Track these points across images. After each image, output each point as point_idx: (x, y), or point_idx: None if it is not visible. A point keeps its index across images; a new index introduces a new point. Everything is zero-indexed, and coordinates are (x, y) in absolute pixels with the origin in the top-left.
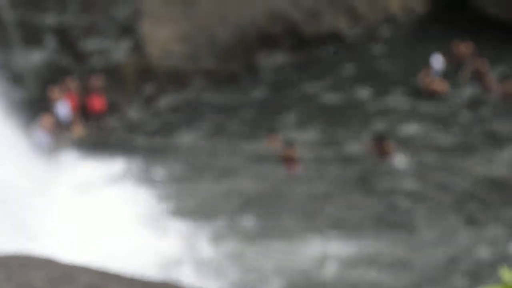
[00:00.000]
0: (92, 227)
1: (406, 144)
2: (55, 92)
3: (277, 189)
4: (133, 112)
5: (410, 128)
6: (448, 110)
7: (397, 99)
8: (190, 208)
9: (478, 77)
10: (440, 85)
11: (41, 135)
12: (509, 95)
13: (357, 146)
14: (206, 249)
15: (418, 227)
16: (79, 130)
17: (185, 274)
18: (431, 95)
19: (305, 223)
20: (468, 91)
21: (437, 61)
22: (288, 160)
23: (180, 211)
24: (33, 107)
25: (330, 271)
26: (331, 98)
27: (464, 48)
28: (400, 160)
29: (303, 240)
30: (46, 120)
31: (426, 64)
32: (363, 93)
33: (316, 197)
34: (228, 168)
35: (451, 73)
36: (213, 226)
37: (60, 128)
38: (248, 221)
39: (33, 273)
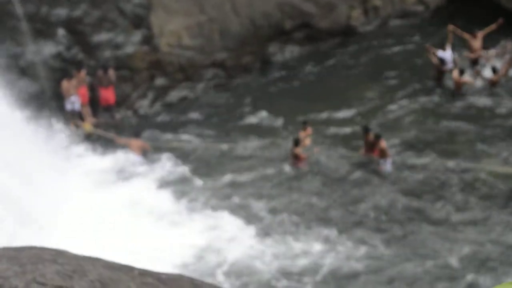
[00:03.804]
0: (107, 220)
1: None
2: (66, 84)
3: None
4: (145, 105)
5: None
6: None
7: (409, 94)
8: (205, 201)
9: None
10: (461, 79)
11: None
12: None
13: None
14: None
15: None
16: (90, 123)
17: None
18: (456, 90)
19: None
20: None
21: (448, 54)
22: (295, 157)
23: (195, 204)
24: (44, 99)
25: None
26: (340, 91)
27: (479, 42)
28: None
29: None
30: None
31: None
32: (375, 89)
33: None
34: (238, 163)
35: (465, 66)
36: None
37: (72, 121)
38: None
39: (45, 266)
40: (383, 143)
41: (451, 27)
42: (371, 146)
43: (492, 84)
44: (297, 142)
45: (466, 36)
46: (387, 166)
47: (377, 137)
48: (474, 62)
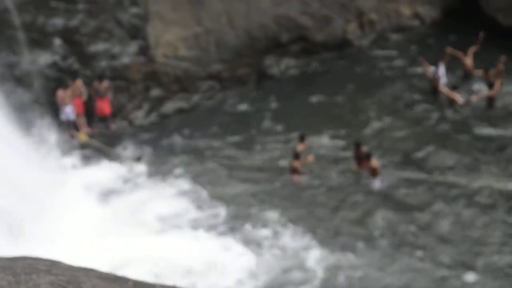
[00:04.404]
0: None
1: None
2: (61, 94)
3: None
4: (140, 116)
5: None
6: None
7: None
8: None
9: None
10: (456, 96)
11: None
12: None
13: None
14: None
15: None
16: (85, 133)
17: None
18: (450, 104)
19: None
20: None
21: (441, 71)
22: (293, 171)
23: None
24: (39, 109)
25: None
26: (337, 105)
27: (469, 60)
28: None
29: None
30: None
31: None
32: (368, 101)
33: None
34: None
35: (459, 81)
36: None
37: (67, 131)
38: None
39: (40, 277)
40: (374, 162)
41: (449, 49)
42: (362, 160)
43: (489, 102)
44: (297, 156)
45: (460, 55)
46: (376, 184)
47: (368, 156)
48: (467, 77)
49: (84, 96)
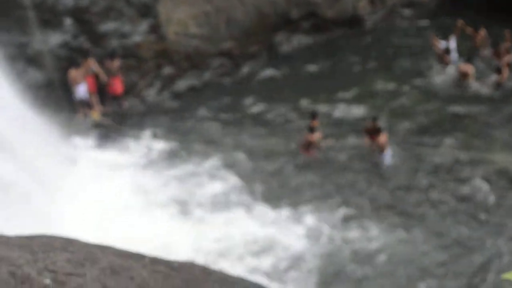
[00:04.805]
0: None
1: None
2: (73, 73)
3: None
4: (152, 94)
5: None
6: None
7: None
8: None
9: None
10: (468, 68)
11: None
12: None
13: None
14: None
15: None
16: (98, 113)
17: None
18: (462, 79)
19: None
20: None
21: (452, 45)
22: (307, 145)
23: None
24: (52, 88)
25: None
26: (348, 82)
27: (482, 33)
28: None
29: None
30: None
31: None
32: (382, 77)
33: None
34: (241, 148)
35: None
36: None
37: (80, 110)
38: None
39: (57, 254)
40: (383, 138)
41: (460, 22)
42: (373, 134)
43: (497, 85)
44: (312, 129)
45: (470, 31)
46: (386, 158)
47: (378, 131)
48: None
49: (102, 76)
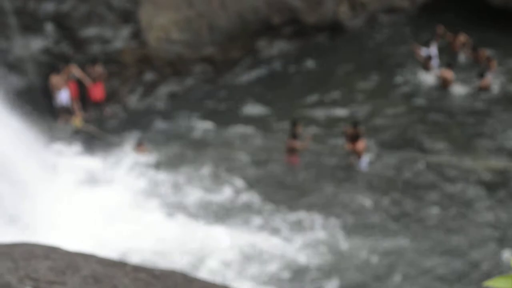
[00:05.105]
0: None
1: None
2: (55, 79)
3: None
4: (134, 100)
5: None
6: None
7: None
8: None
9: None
10: (448, 74)
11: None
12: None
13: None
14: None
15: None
16: (79, 119)
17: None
18: (444, 85)
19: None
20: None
21: (433, 51)
22: (290, 152)
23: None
24: (33, 95)
25: None
26: (328, 85)
27: (462, 38)
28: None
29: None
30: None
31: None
32: (361, 82)
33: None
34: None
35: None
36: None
37: (61, 116)
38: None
39: (38, 262)
40: (360, 144)
41: (440, 29)
42: (353, 140)
43: (479, 90)
44: (294, 135)
45: (449, 37)
46: (362, 164)
47: (357, 137)
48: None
49: (86, 80)
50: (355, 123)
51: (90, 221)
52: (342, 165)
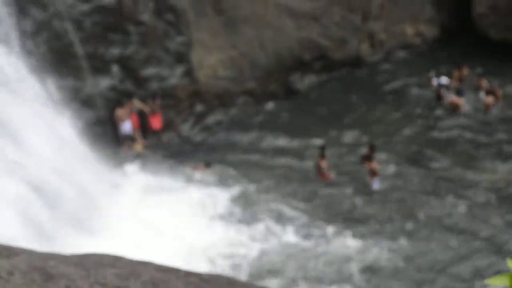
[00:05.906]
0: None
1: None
2: (119, 112)
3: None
4: (186, 128)
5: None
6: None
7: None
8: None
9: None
10: (459, 101)
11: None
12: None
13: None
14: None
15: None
16: (140, 146)
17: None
18: (453, 110)
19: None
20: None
21: (444, 80)
22: (321, 170)
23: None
24: (102, 126)
25: None
26: (351, 114)
27: (465, 70)
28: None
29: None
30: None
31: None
32: (381, 108)
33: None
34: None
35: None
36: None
37: (125, 143)
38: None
39: (106, 270)
40: (374, 164)
41: (465, 70)
42: (369, 160)
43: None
44: (322, 156)
45: (458, 73)
46: (375, 184)
47: (369, 158)
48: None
49: (147, 109)
50: (371, 145)
51: (157, 230)
52: (358, 182)
